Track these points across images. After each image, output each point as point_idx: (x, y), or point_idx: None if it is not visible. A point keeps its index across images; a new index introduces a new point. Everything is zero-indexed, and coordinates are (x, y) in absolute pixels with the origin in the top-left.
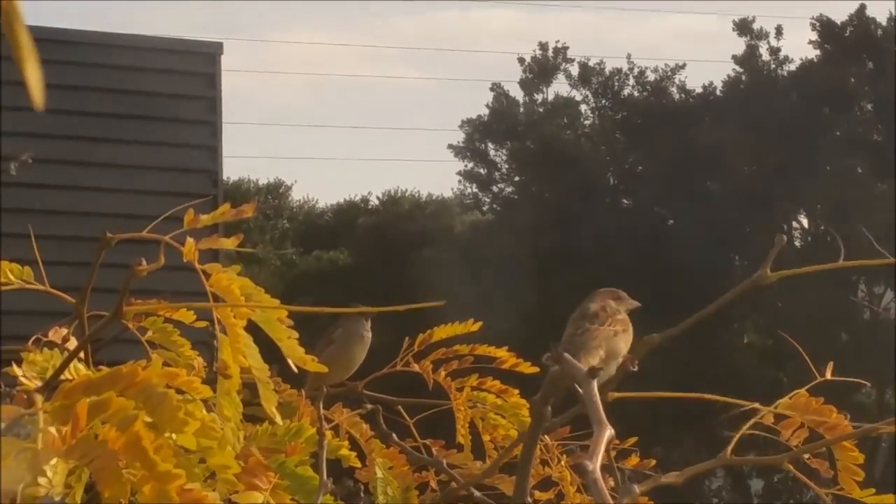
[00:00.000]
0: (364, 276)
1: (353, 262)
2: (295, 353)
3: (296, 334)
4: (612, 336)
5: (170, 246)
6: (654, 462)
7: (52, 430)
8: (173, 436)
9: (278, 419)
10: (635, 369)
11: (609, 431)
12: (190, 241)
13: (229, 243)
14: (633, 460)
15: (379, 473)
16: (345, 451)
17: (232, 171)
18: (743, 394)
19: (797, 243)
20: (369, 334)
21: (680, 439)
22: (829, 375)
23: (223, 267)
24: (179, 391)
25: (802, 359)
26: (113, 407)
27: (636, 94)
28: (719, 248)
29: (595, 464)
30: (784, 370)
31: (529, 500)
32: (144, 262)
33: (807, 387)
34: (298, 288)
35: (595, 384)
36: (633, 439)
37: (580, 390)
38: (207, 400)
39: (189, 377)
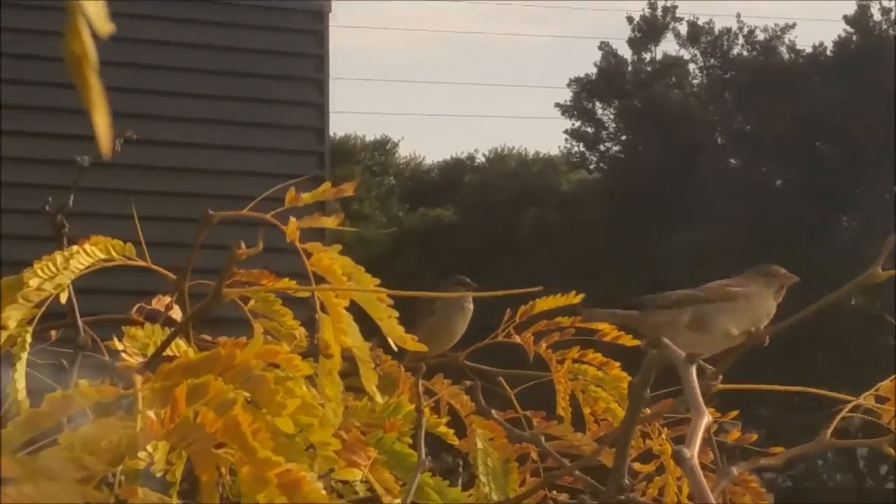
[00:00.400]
0: (469, 233)
1: (458, 220)
2: (395, 333)
3: (396, 314)
4: (702, 301)
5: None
6: (755, 436)
7: (151, 413)
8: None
9: (378, 398)
10: (766, 342)
11: (707, 418)
12: (293, 220)
13: (331, 222)
14: (735, 434)
15: (479, 445)
16: (443, 428)
17: (339, 126)
18: (848, 357)
19: None
20: (471, 305)
21: (790, 405)
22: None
23: (324, 246)
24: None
25: None
26: (211, 391)
27: (745, 53)
28: (827, 210)
29: (693, 451)
30: (893, 334)
31: (627, 480)
32: (244, 246)
33: None
34: (404, 244)
35: (693, 369)
36: (734, 413)
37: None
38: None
39: (289, 354)
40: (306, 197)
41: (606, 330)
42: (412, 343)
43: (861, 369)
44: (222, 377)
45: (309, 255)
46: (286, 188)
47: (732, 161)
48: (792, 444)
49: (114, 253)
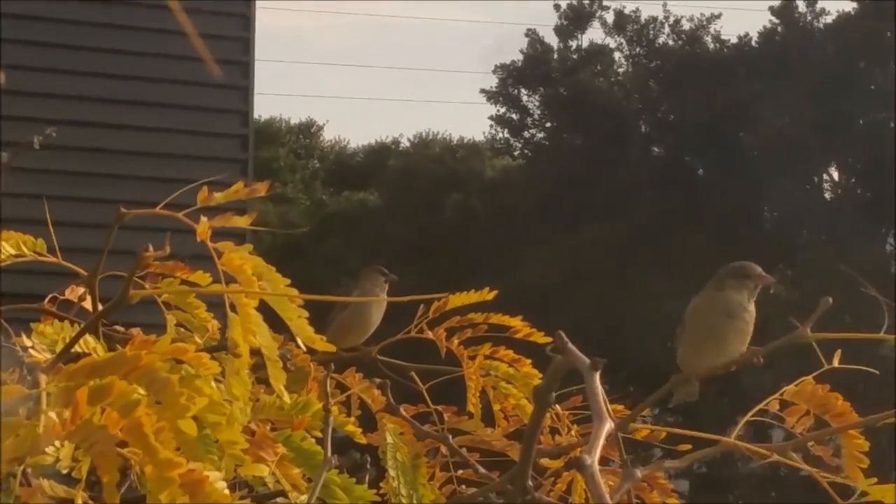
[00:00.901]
0: (393, 217)
1: (382, 204)
2: (304, 333)
3: (306, 314)
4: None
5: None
6: (663, 434)
7: (53, 414)
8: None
9: (286, 397)
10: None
11: (609, 424)
12: (203, 220)
13: (243, 222)
14: (643, 432)
15: (389, 439)
16: (351, 427)
17: (264, 109)
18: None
19: (827, 196)
20: (385, 290)
21: (703, 388)
22: (836, 363)
23: (235, 245)
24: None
25: (829, 312)
26: (115, 392)
27: (671, 43)
28: (749, 198)
29: (594, 457)
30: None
31: (532, 480)
32: (151, 249)
33: (813, 374)
34: (327, 228)
35: (597, 376)
36: (647, 410)
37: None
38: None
39: (197, 353)
40: (219, 197)
41: (518, 326)
42: (321, 343)
43: (783, 358)
44: (127, 378)
45: (220, 254)
46: (199, 187)
47: (656, 149)
48: (708, 429)
49: (24, 249)
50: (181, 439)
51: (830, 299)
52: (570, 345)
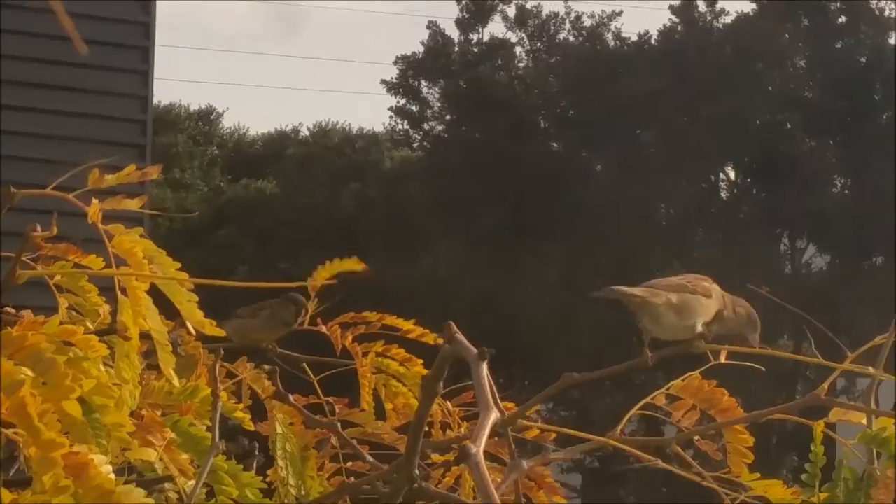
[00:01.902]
0: (291, 206)
1: (280, 192)
2: (194, 317)
3: (195, 298)
4: (689, 291)
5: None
6: (553, 436)
7: None
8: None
9: (175, 381)
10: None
11: (495, 415)
12: (94, 202)
13: (133, 205)
14: (534, 432)
15: (279, 429)
16: (239, 413)
17: (163, 94)
18: (661, 343)
19: (723, 195)
20: (295, 323)
21: (597, 384)
22: (723, 360)
23: (126, 229)
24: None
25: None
26: (1, 372)
27: (571, 38)
28: (646, 195)
29: (479, 447)
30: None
31: (418, 471)
32: (39, 229)
33: (700, 369)
34: (225, 215)
35: (484, 366)
36: (536, 407)
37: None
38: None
39: (86, 336)
40: (110, 179)
41: (410, 328)
42: (210, 328)
43: (675, 358)
44: (13, 358)
45: (111, 237)
46: (90, 168)
47: (554, 145)
48: (601, 425)
49: None
50: (66, 421)
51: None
52: (459, 335)
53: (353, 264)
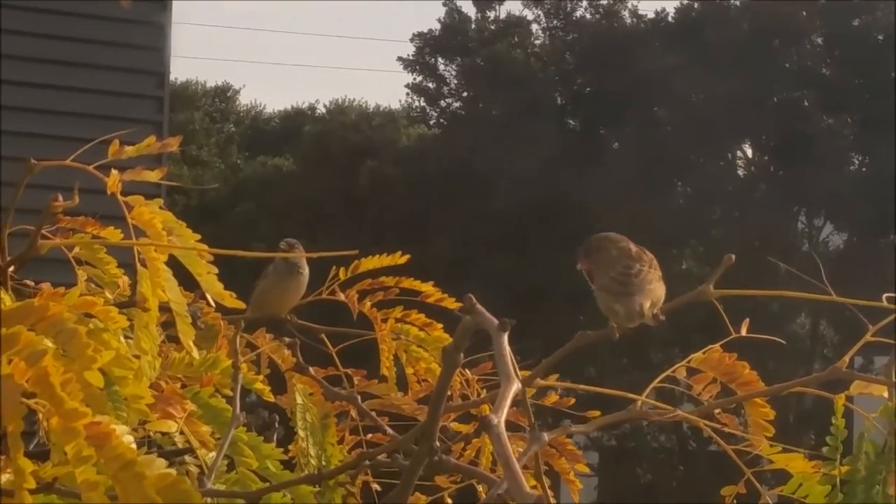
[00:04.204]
0: (307, 183)
1: (297, 170)
2: (214, 288)
3: (215, 269)
4: (657, 280)
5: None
6: (573, 401)
7: None
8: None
9: (195, 353)
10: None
11: (516, 385)
12: (114, 172)
13: (153, 176)
14: (553, 398)
15: (299, 400)
16: (260, 385)
17: (180, 71)
18: (679, 320)
19: (740, 173)
20: (305, 270)
21: (615, 361)
22: (744, 332)
23: (146, 200)
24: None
25: (739, 287)
26: (22, 341)
27: (588, 16)
28: (663, 173)
29: (500, 418)
30: (722, 300)
31: (439, 444)
32: (61, 199)
33: (721, 342)
34: (241, 192)
35: (505, 337)
36: (554, 378)
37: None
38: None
39: (106, 307)
40: (130, 150)
41: (430, 291)
42: (230, 299)
43: (693, 332)
44: (35, 328)
45: (130, 208)
46: (112, 139)
47: (571, 122)
48: (617, 403)
49: None
50: (87, 392)
51: (733, 256)
52: (479, 306)
53: (396, 258)
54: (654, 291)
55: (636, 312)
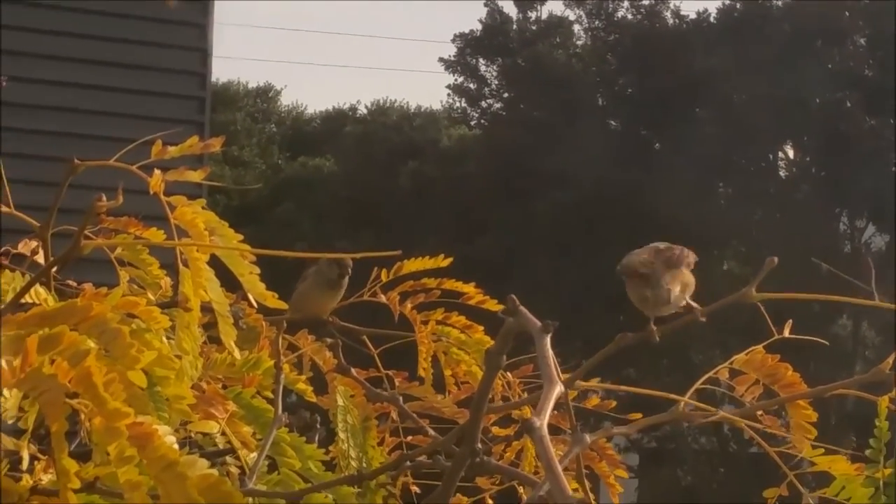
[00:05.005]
0: (348, 184)
1: (338, 170)
2: (256, 289)
3: (257, 269)
4: (685, 267)
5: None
6: (614, 403)
7: (3, 362)
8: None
9: (236, 353)
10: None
11: (559, 388)
12: (157, 172)
13: (196, 176)
14: (594, 400)
15: (340, 401)
16: (302, 385)
17: (221, 72)
18: (720, 321)
19: (782, 174)
20: (345, 282)
21: (654, 363)
22: (786, 333)
23: (188, 200)
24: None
25: (781, 287)
26: (65, 341)
27: (630, 16)
28: (704, 174)
29: (542, 420)
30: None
31: (482, 444)
32: (105, 199)
33: (764, 343)
34: (282, 192)
35: (548, 339)
36: (595, 380)
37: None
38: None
39: (148, 308)
40: (173, 150)
41: (471, 293)
42: (272, 300)
43: (733, 335)
44: (78, 328)
45: (173, 208)
46: (154, 140)
47: (612, 123)
48: (660, 405)
49: None
50: (130, 392)
51: (776, 259)
52: (522, 308)
53: (439, 261)
54: (682, 275)
55: (664, 297)
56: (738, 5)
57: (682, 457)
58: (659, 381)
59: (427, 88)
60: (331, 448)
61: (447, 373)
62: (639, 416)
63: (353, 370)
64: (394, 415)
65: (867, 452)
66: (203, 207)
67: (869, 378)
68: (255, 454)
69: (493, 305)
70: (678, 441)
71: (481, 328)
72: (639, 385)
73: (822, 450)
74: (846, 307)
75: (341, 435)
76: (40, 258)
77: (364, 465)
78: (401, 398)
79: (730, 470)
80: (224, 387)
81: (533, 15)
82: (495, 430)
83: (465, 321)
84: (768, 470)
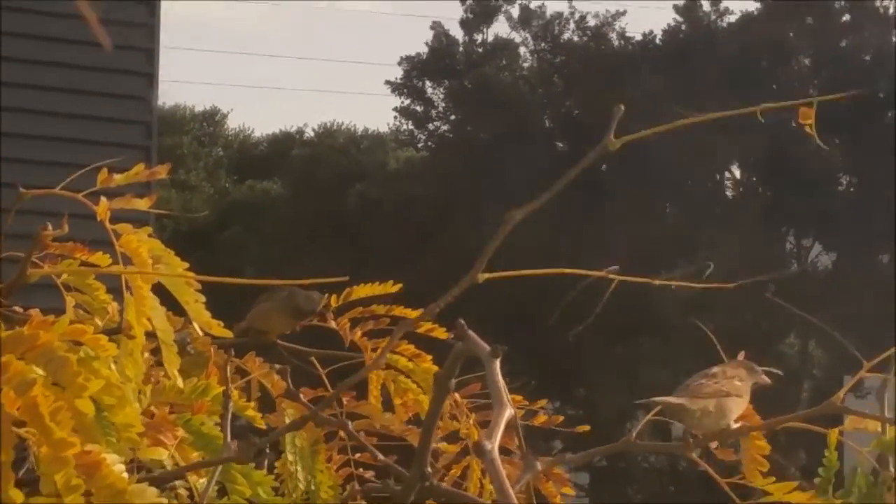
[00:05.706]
0: (296, 207)
1: (285, 193)
2: (201, 318)
3: (202, 298)
4: (724, 395)
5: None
6: (561, 418)
7: None
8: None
9: (179, 382)
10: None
11: (509, 411)
12: (103, 201)
13: (142, 204)
14: (541, 418)
15: None
16: (251, 412)
17: (168, 96)
18: (668, 343)
19: (728, 193)
20: (312, 318)
21: (604, 380)
22: (741, 359)
23: (134, 228)
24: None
25: (730, 307)
26: (11, 370)
27: (576, 38)
28: (652, 195)
29: (493, 444)
30: (713, 321)
31: (429, 468)
32: (50, 227)
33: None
34: (230, 216)
35: (497, 364)
36: (543, 401)
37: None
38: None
39: (95, 336)
40: (119, 178)
41: (420, 322)
42: (218, 329)
43: (683, 355)
44: (24, 357)
45: (119, 236)
46: (97, 168)
47: (559, 144)
48: (608, 423)
49: None
50: (79, 420)
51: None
52: (471, 332)
53: (388, 287)
54: (718, 402)
55: (696, 415)
56: (683, 27)
57: (632, 475)
58: (610, 398)
59: (374, 111)
60: (276, 464)
61: (397, 401)
62: (586, 428)
63: (301, 395)
64: (342, 433)
65: (816, 481)
66: (150, 235)
67: (822, 410)
68: (204, 480)
69: (442, 333)
70: (628, 460)
71: (429, 357)
72: (589, 404)
73: (774, 478)
74: (793, 326)
75: (290, 457)
76: None
77: (312, 487)
78: (349, 423)
79: (680, 488)
80: (171, 411)
81: (479, 37)
82: (443, 446)
83: (414, 350)
84: (718, 488)
